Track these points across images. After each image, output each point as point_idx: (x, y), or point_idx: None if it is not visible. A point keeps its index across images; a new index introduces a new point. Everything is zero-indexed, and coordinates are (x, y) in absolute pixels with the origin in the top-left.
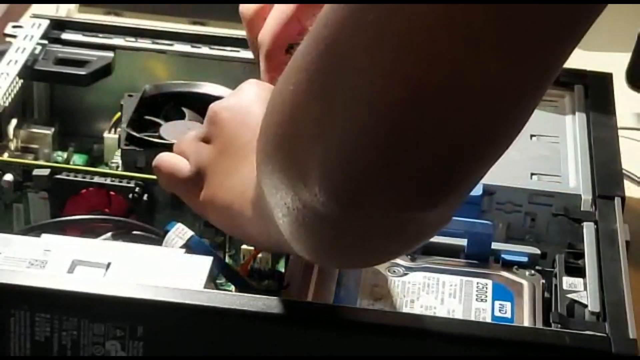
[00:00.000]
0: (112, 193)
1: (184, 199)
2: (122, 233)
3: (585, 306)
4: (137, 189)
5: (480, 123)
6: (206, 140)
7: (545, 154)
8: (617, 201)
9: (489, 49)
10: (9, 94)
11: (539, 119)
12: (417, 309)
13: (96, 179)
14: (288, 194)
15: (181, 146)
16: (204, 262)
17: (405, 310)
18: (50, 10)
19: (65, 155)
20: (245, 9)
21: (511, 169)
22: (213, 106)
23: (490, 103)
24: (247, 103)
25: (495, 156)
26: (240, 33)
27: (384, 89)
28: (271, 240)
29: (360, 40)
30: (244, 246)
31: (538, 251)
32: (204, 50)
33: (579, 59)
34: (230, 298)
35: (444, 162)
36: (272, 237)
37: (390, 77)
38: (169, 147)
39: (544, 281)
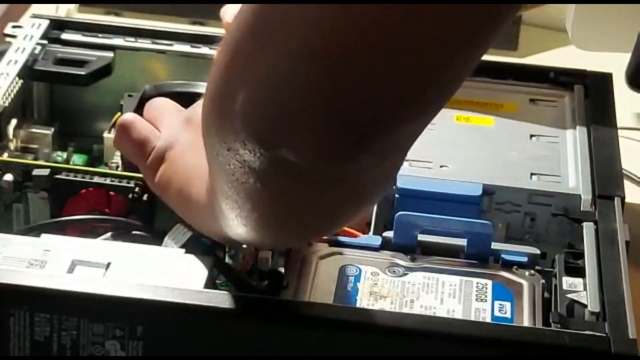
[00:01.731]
0: (111, 193)
1: (144, 175)
2: (122, 233)
3: (585, 306)
4: (137, 189)
5: (408, 82)
6: (188, 120)
7: (545, 154)
8: (617, 201)
9: (424, 13)
10: (9, 94)
11: (539, 119)
12: (417, 309)
13: (96, 179)
14: (218, 138)
15: (162, 112)
16: (204, 262)
17: (405, 310)
18: (50, 10)
19: (65, 155)
20: None
21: (511, 169)
22: None
23: (422, 64)
24: None
25: (420, 118)
26: None
27: (318, 31)
28: (221, 232)
29: None
30: (244, 246)
31: (538, 251)
32: (204, 50)
33: (579, 59)
34: (230, 298)
35: (365, 114)
36: (221, 228)
37: (326, 24)
38: None
39: (543, 281)
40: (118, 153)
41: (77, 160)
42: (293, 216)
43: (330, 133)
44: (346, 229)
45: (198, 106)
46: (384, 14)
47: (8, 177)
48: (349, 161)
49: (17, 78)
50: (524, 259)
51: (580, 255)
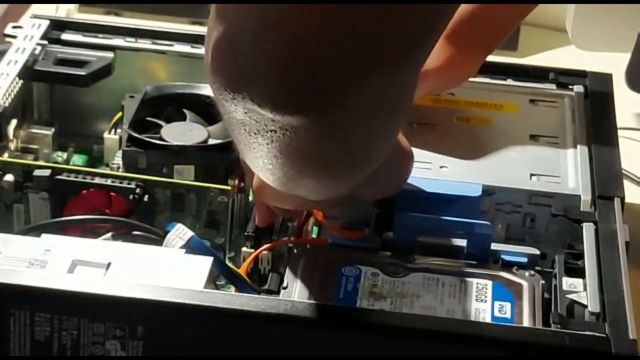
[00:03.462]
0: (112, 194)
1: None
2: (122, 233)
3: (585, 307)
4: (137, 190)
5: (360, 39)
6: None
7: (545, 154)
8: (617, 202)
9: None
10: (9, 94)
11: (539, 119)
12: (417, 309)
13: (97, 180)
14: (211, 87)
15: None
16: (204, 263)
17: (405, 310)
18: (50, 10)
19: (65, 155)
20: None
21: (511, 170)
22: None
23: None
24: None
25: (381, 79)
26: None
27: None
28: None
29: None
30: (244, 248)
31: (538, 252)
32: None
33: (579, 59)
34: (230, 298)
35: (317, 74)
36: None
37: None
38: (169, 149)
39: (543, 282)
40: (119, 154)
41: (78, 160)
42: (292, 164)
43: (285, 85)
44: (346, 230)
45: None
46: None
47: (9, 177)
48: (314, 113)
49: (17, 78)
50: (524, 260)
51: (580, 256)
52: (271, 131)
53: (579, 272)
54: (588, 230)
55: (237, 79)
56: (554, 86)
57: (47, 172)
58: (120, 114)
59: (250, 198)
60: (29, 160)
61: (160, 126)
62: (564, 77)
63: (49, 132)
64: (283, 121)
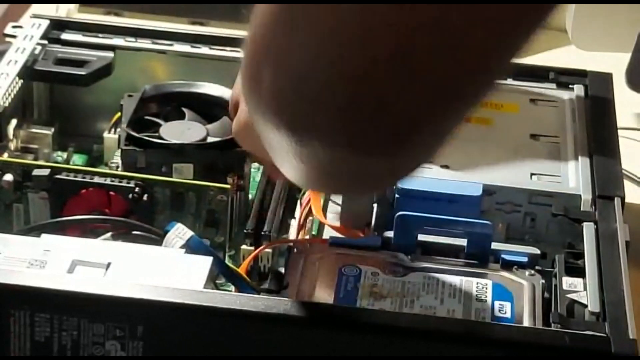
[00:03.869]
0: (112, 193)
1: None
2: (122, 233)
3: (585, 306)
4: (137, 189)
5: (442, 83)
6: None
7: (545, 154)
8: (617, 201)
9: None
10: (9, 94)
11: (539, 119)
12: (417, 309)
13: (96, 179)
14: (254, 114)
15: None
16: (204, 262)
17: (405, 310)
18: (50, 10)
19: (65, 155)
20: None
21: (511, 169)
22: None
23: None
24: None
25: (449, 120)
26: (240, 33)
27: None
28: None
29: None
30: (244, 246)
31: (538, 251)
32: (204, 50)
33: (579, 59)
34: (230, 298)
35: (403, 114)
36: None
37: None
38: (168, 148)
39: (543, 281)
40: (118, 153)
41: (78, 160)
42: (338, 184)
43: (364, 128)
44: (346, 229)
45: None
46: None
47: (8, 177)
48: (387, 154)
49: (17, 78)
50: (524, 259)
51: (580, 255)
52: (314, 157)
53: (579, 272)
54: (588, 229)
55: (299, 126)
56: (554, 86)
57: (46, 172)
58: (119, 113)
59: (250, 196)
60: (28, 160)
61: (159, 125)
62: (564, 77)
63: (49, 132)
64: (333, 153)
